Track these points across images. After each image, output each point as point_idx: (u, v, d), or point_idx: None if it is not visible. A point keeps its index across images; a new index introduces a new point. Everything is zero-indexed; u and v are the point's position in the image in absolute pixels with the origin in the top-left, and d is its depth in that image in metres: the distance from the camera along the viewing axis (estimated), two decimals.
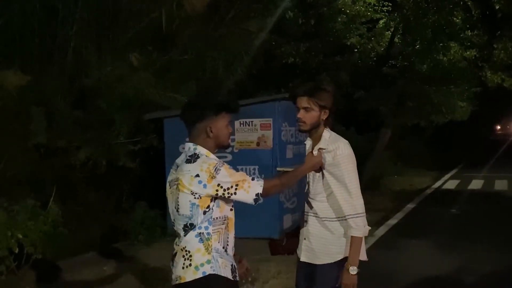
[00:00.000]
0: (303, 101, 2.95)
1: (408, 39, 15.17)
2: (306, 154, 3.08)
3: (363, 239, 2.97)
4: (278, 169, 7.40)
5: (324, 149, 2.95)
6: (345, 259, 2.93)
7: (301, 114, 2.97)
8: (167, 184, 2.69)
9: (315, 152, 2.96)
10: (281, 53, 13.67)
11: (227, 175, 2.51)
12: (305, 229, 3.09)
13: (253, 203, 2.60)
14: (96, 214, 7.70)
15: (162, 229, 8.02)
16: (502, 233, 8.22)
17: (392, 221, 9.49)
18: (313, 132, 3.03)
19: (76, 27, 7.97)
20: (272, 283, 5.66)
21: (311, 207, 3.05)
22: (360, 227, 2.89)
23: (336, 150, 2.92)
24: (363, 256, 3.02)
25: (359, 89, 15.35)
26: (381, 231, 8.63)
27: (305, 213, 3.10)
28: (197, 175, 2.49)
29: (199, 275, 2.50)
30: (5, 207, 5.83)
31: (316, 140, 3.03)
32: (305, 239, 3.08)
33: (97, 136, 7.80)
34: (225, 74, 10.49)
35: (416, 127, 20.83)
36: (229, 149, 7.76)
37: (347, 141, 3.01)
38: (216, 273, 2.52)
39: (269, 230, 7.44)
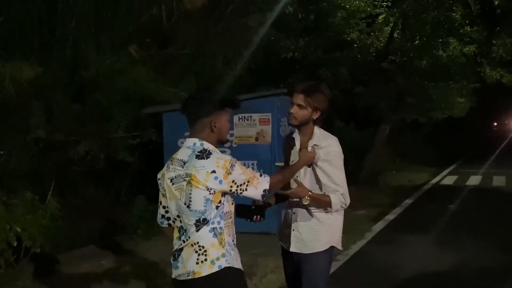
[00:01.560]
0: (299, 98, 3.12)
1: (407, 34, 15.17)
2: (298, 149, 3.22)
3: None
4: (277, 164, 7.42)
5: (318, 145, 3.11)
6: (332, 247, 3.19)
7: (294, 110, 3.14)
8: (167, 181, 2.67)
9: (309, 148, 3.11)
10: (281, 48, 13.65)
11: (241, 172, 2.59)
12: (293, 222, 3.22)
13: (261, 199, 2.73)
14: (95, 208, 7.71)
15: None
16: (499, 229, 8.25)
17: (390, 217, 9.52)
18: (303, 128, 3.19)
19: (75, 20, 7.95)
20: (270, 278, 5.69)
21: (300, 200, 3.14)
22: (336, 204, 3.08)
23: (329, 147, 3.11)
24: (339, 245, 3.25)
25: (358, 85, 15.35)
26: (379, 226, 8.66)
27: (293, 206, 3.21)
28: (213, 171, 2.52)
29: (215, 269, 2.54)
30: (4, 201, 5.85)
31: (305, 136, 3.20)
32: (293, 230, 3.21)
33: (96, 130, 7.79)
34: (224, 69, 10.49)
35: (415, 123, 20.84)
36: (228, 144, 7.80)
37: (336, 138, 3.19)
38: (231, 265, 2.59)
39: (267, 225, 7.41)
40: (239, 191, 2.60)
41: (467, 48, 15.85)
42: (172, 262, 2.68)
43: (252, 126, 7.67)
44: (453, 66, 15.72)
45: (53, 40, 8.08)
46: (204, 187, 2.52)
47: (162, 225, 2.82)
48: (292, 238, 3.21)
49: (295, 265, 3.24)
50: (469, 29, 15.28)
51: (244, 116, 7.69)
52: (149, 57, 8.89)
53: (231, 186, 2.57)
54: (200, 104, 2.69)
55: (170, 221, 2.75)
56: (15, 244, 5.72)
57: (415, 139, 22.89)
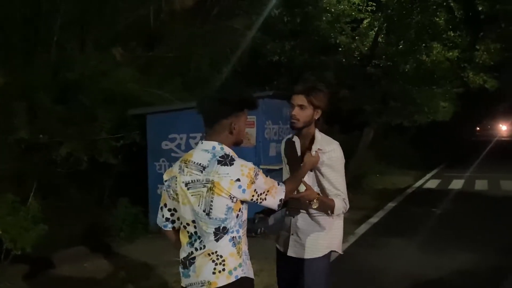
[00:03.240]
0: (299, 99, 3.07)
1: (392, 39, 15.26)
2: (299, 154, 3.17)
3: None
4: (261, 166, 7.42)
5: (321, 150, 3.07)
6: (330, 252, 3.14)
7: (295, 111, 3.08)
8: (181, 185, 2.53)
9: (313, 152, 3.05)
10: (267, 51, 13.67)
11: (263, 182, 2.53)
12: (292, 225, 3.18)
13: (277, 209, 2.66)
14: (78, 210, 7.65)
15: (144, 226, 8.00)
16: (482, 233, 8.33)
17: (374, 220, 9.56)
18: (304, 130, 3.14)
19: (60, 21, 7.89)
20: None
21: (301, 203, 3.11)
22: (339, 209, 3.06)
23: (332, 152, 3.07)
24: (339, 250, 3.23)
25: (343, 88, 15.41)
26: (362, 229, 8.69)
27: (294, 209, 3.17)
28: (238, 180, 2.44)
29: (232, 279, 2.49)
30: None
31: (306, 139, 3.15)
32: (292, 234, 3.17)
33: (79, 131, 7.73)
34: (210, 71, 10.48)
35: (399, 126, 20.97)
36: None
37: (338, 143, 3.16)
38: (247, 275, 2.56)
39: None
40: (259, 200, 2.54)
41: (450, 53, 16.00)
42: (182, 270, 2.58)
43: None
44: (437, 71, 15.85)
45: (37, 40, 8.01)
46: (228, 195, 2.43)
47: (165, 228, 2.70)
48: (291, 243, 3.17)
49: (291, 270, 3.18)
50: (452, 34, 15.43)
51: None
52: (134, 59, 8.86)
53: (253, 195, 2.50)
54: (220, 105, 2.56)
55: (175, 224, 2.66)
56: None
57: (399, 143, 23.04)
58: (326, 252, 3.13)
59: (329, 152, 3.07)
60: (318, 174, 3.09)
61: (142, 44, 9.34)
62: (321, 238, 3.11)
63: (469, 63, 16.60)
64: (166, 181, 2.63)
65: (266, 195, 2.54)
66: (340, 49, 15.35)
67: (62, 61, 8.06)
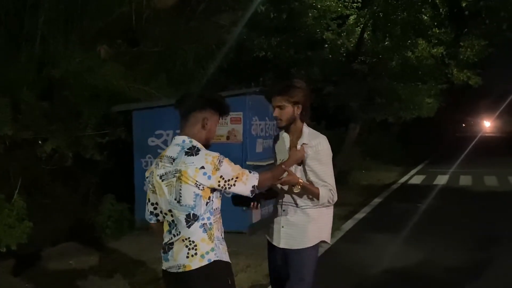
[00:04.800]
0: (277, 100, 3.23)
1: (377, 35, 15.34)
2: (288, 148, 3.31)
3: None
4: (248, 163, 7.42)
5: (307, 144, 3.21)
6: (319, 242, 3.30)
7: (276, 113, 3.25)
8: (156, 178, 2.76)
9: (298, 147, 3.21)
10: (253, 47, 13.67)
11: (229, 168, 2.70)
12: (283, 218, 3.33)
13: (250, 195, 2.81)
14: (63, 207, 7.59)
15: (130, 223, 7.97)
16: (466, 227, 8.42)
17: (360, 215, 9.62)
18: (292, 127, 3.28)
19: (44, 16, 7.81)
20: (240, 277, 5.68)
21: (291, 197, 3.28)
22: (324, 197, 3.20)
23: (318, 146, 3.21)
24: (328, 239, 3.38)
25: (329, 84, 15.47)
26: (349, 225, 8.74)
27: (283, 203, 3.33)
28: (202, 167, 2.63)
29: (205, 262, 2.67)
30: None
31: (294, 135, 3.30)
32: (283, 227, 3.31)
33: (64, 128, 7.67)
34: (195, 67, 10.44)
35: (385, 122, 21.10)
36: None
37: (325, 136, 3.30)
38: (220, 259, 2.72)
39: (236, 223, 7.42)
40: (227, 186, 2.70)
41: (435, 50, 16.13)
42: (163, 254, 2.79)
43: (223, 125, 7.65)
44: (422, 67, 15.97)
45: (21, 35, 7.92)
46: (194, 182, 2.63)
47: (151, 221, 2.93)
48: (282, 234, 3.31)
49: (281, 259, 3.33)
50: (437, 31, 15.55)
51: None
52: (119, 55, 8.79)
53: (219, 181, 2.67)
54: (197, 99, 2.83)
55: (159, 217, 2.88)
56: None
57: (385, 139, 23.18)
58: (316, 242, 3.28)
59: (315, 146, 3.20)
60: (307, 167, 3.22)
61: (127, 40, 9.27)
62: (311, 228, 3.24)
63: (454, 59, 16.75)
64: (147, 177, 2.91)
65: (235, 181, 2.71)
66: (326, 45, 15.41)
67: (47, 57, 7.98)
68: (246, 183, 2.74)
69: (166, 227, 2.80)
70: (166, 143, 7.94)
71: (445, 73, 17.14)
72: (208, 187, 2.66)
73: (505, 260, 6.46)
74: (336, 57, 15.58)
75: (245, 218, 7.51)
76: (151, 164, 8.40)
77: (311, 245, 3.25)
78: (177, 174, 2.65)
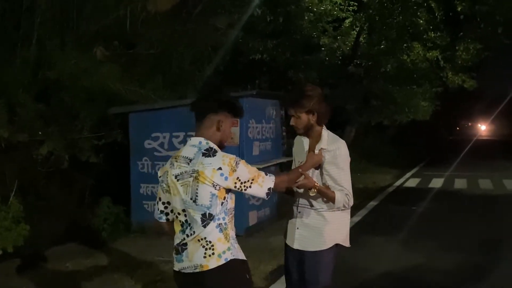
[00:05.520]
0: (291, 111, 3.27)
1: (373, 39, 15.39)
2: (306, 152, 3.34)
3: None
4: None
5: (325, 148, 3.24)
6: (336, 245, 3.31)
7: (292, 121, 3.30)
8: (171, 177, 2.78)
9: (316, 151, 3.24)
10: (249, 50, 13.68)
11: (245, 169, 2.75)
12: (298, 220, 3.35)
13: (265, 197, 2.88)
14: (59, 210, 7.56)
15: (126, 226, 7.95)
16: (462, 231, 8.43)
17: (355, 219, 9.60)
18: (310, 132, 3.32)
19: (40, 18, 7.79)
20: None
21: (307, 200, 3.30)
22: (339, 201, 3.21)
23: (337, 150, 3.25)
24: (345, 243, 3.40)
25: (325, 87, 15.51)
26: None
27: (299, 205, 3.35)
28: (220, 168, 2.68)
29: (222, 261, 2.71)
30: None
31: (314, 139, 3.33)
32: (298, 228, 3.34)
33: (60, 130, 7.65)
34: (192, 69, 10.44)
35: (380, 125, 21.16)
36: None
37: (344, 141, 3.35)
38: (236, 257, 2.77)
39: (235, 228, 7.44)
40: (243, 188, 2.75)
41: (430, 53, 16.19)
42: (176, 256, 2.82)
43: None
44: (417, 71, 16.03)
45: (17, 37, 7.91)
46: (211, 183, 2.68)
47: (160, 220, 2.95)
48: (297, 236, 3.33)
49: (296, 260, 3.36)
50: (433, 35, 15.61)
51: None
52: (115, 57, 8.78)
53: (236, 183, 2.72)
54: (212, 101, 2.87)
55: (169, 216, 2.91)
56: None
57: (380, 142, 23.22)
58: (331, 245, 3.27)
59: (333, 151, 3.23)
60: (324, 172, 3.26)
61: (124, 42, 9.26)
62: (326, 231, 3.26)
63: (449, 63, 16.82)
64: (160, 177, 2.91)
65: (251, 183, 2.76)
66: (323, 48, 15.44)
67: (43, 59, 7.96)
68: (262, 185, 2.79)
69: (178, 227, 2.83)
70: (162, 146, 7.93)
71: (440, 77, 17.21)
72: (224, 188, 2.71)
73: (501, 264, 6.47)
74: (332, 60, 15.62)
75: (242, 221, 7.51)
76: (148, 167, 8.42)
77: (326, 247, 3.27)
78: (194, 174, 2.70)
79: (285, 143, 9.28)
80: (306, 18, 14.36)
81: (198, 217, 2.71)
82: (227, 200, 2.76)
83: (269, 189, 2.82)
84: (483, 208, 10.97)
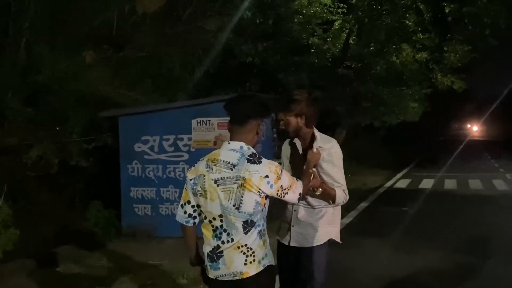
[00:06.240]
0: (281, 115, 3.38)
1: (362, 41, 15.45)
2: (301, 152, 3.43)
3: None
4: None
5: (322, 147, 3.35)
6: (328, 240, 3.39)
7: (283, 125, 3.39)
8: (210, 182, 2.69)
9: (314, 150, 3.32)
10: (239, 52, 13.68)
11: (286, 177, 2.78)
12: (293, 218, 3.42)
13: (297, 202, 3.00)
14: (49, 214, 7.52)
15: (117, 229, 7.92)
16: (451, 231, 8.49)
17: (346, 220, 9.63)
18: (301, 133, 3.40)
19: (29, 21, 7.76)
20: None
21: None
22: (340, 198, 3.34)
23: (331, 149, 3.38)
24: (337, 238, 3.49)
25: (316, 89, 15.53)
26: None
27: (294, 203, 3.34)
28: (267, 176, 2.66)
29: (261, 268, 2.72)
30: None
31: (304, 139, 3.43)
32: (293, 226, 3.42)
33: (49, 134, 7.63)
34: (181, 72, 10.43)
35: (370, 127, 21.22)
36: (186, 148, 7.76)
37: (336, 140, 3.49)
38: (272, 263, 2.80)
39: None
40: (282, 195, 2.76)
41: (419, 55, 16.27)
42: (210, 263, 2.76)
43: (210, 130, 7.65)
44: (406, 72, 16.11)
45: (5, 40, 7.87)
46: (257, 190, 2.65)
47: (187, 224, 2.85)
48: (292, 234, 3.41)
49: (292, 259, 3.41)
50: (421, 36, 15.69)
51: (202, 120, 7.66)
52: (105, 60, 8.76)
53: (278, 190, 2.72)
54: (254, 106, 2.81)
55: (196, 220, 2.83)
56: None
57: (370, 143, 23.30)
58: (325, 240, 3.38)
59: (328, 149, 3.36)
60: (320, 170, 3.34)
61: (113, 45, 9.23)
62: (321, 227, 3.36)
63: (438, 64, 16.91)
64: (191, 179, 2.79)
65: (288, 190, 2.78)
66: (312, 50, 15.48)
67: (32, 62, 7.93)
68: (295, 191, 2.82)
69: (209, 233, 2.75)
70: (152, 149, 7.91)
71: (429, 78, 17.29)
72: (266, 195, 2.70)
73: (491, 264, 6.51)
74: (322, 62, 15.66)
75: None
76: (138, 170, 8.36)
77: (320, 243, 3.36)
78: (239, 181, 2.65)
79: (276, 145, 9.29)
80: (295, 20, 14.40)
81: (239, 224, 2.67)
82: (265, 207, 2.76)
83: (299, 194, 2.85)
84: (473, 208, 11.04)
